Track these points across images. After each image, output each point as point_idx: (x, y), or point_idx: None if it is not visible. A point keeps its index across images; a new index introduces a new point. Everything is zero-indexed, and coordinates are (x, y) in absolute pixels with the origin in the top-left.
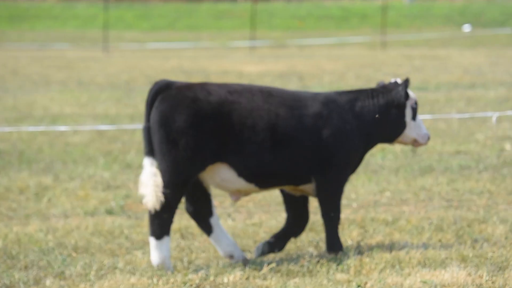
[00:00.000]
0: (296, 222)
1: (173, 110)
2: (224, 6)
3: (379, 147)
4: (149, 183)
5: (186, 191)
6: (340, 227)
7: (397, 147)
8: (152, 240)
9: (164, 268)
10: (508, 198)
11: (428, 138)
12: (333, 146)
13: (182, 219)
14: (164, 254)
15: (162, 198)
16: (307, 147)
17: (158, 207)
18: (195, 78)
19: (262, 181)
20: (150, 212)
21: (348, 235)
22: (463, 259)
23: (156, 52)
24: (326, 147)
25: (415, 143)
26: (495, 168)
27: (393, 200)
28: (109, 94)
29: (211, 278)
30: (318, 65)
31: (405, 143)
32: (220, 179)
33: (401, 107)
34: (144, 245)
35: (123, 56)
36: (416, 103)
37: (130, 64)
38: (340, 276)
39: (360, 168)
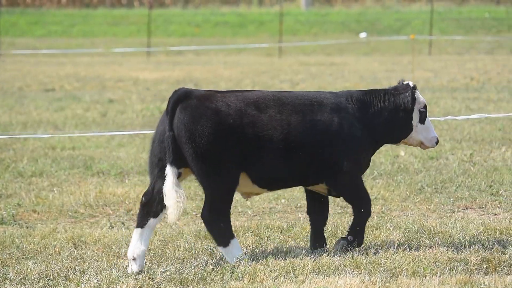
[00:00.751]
0: (319, 216)
1: (196, 123)
2: (119, 12)
3: None
4: (172, 195)
5: (233, 196)
6: (236, 234)
7: None
8: (222, 249)
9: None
10: (402, 205)
11: (437, 142)
12: (343, 149)
13: (75, 228)
14: (239, 253)
15: (182, 210)
16: (319, 151)
17: (177, 218)
18: (90, 85)
19: (274, 186)
20: (207, 228)
21: (242, 243)
22: (357, 266)
23: (50, 58)
24: (336, 150)
25: (422, 145)
26: (389, 174)
27: (288, 207)
28: (1, 101)
29: None
30: (215, 71)
31: (411, 145)
32: None
33: (409, 111)
34: (36, 255)
35: (15, 62)
36: (425, 107)
37: (23, 71)
38: (234, 284)
39: None
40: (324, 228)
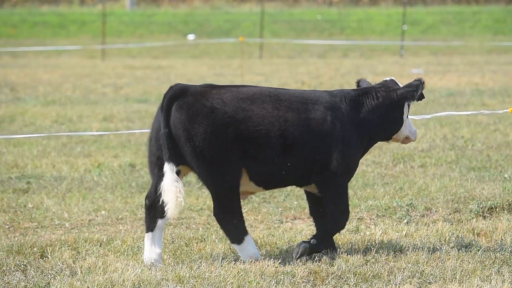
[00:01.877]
0: (323, 217)
1: (193, 121)
2: None
3: (95, 163)
4: (171, 189)
5: (239, 192)
6: (51, 249)
7: (115, 162)
8: (236, 247)
9: (258, 259)
10: None
11: (416, 135)
12: (337, 148)
13: None
14: (254, 251)
15: (182, 205)
16: (315, 150)
17: (177, 214)
18: None
19: (270, 184)
20: (221, 226)
21: (59, 258)
22: (180, 280)
23: None
24: (331, 149)
25: (407, 140)
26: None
27: (108, 219)
28: None
29: None
30: (34, 75)
31: (397, 141)
32: None
33: (401, 106)
34: None
35: None
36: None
37: None
38: None
39: (74, 185)
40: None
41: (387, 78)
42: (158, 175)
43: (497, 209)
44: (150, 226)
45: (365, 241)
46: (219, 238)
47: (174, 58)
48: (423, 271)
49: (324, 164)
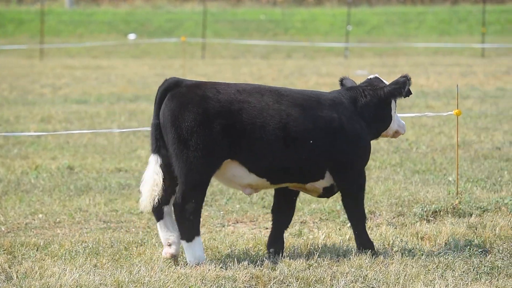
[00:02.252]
0: (283, 216)
1: (183, 108)
2: None
3: (33, 165)
4: (149, 181)
5: (206, 189)
6: None
7: (53, 165)
8: (184, 244)
9: (199, 264)
10: None
11: (405, 128)
12: (342, 145)
13: None
14: (200, 253)
15: (157, 199)
16: (315, 145)
17: (150, 208)
18: None
19: (272, 178)
20: (176, 218)
21: None
22: (119, 285)
23: None
24: (338, 145)
25: (396, 134)
26: None
27: (46, 222)
28: None
29: None
30: None
31: (387, 136)
32: (231, 174)
33: (389, 103)
34: None
35: None
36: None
37: None
38: None
39: (10, 188)
40: (285, 230)
41: (371, 76)
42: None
43: (441, 213)
44: (158, 215)
45: (308, 245)
46: (159, 242)
47: (115, 58)
48: (366, 275)
49: (334, 160)
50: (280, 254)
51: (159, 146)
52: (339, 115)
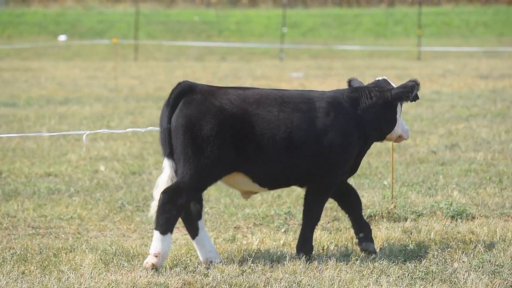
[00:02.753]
0: (351, 200)
1: (201, 117)
2: None
3: None
4: (163, 187)
5: (200, 191)
6: None
7: None
8: (156, 233)
9: (158, 262)
10: (100, 224)
11: (408, 133)
12: (338, 148)
13: None
14: (165, 249)
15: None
16: (317, 150)
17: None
18: None
19: (274, 185)
20: (159, 206)
21: None
22: None
23: None
24: (332, 149)
25: (400, 138)
26: (87, 191)
27: None
28: None
29: None
30: None
31: (391, 140)
32: (233, 181)
33: (395, 106)
34: None
35: None
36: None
37: None
38: None
39: None
40: (361, 212)
41: (379, 78)
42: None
43: (376, 217)
44: (193, 232)
45: (241, 250)
46: (89, 248)
47: (45, 60)
48: (300, 281)
49: (327, 161)
50: (371, 235)
51: (173, 151)
52: (335, 116)
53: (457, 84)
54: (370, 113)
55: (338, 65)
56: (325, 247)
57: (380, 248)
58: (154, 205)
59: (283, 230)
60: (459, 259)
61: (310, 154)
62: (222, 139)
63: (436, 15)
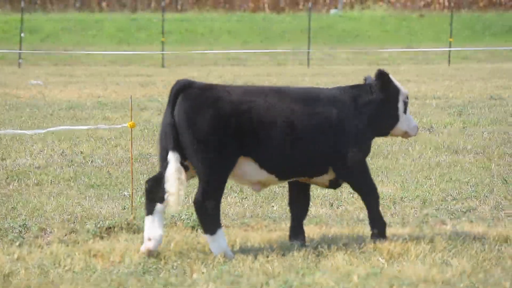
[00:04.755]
0: (300, 207)
1: (197, 110)
2: None
3: None
4: (174, 181)
5: (225, 182)
6: None
7: None
8: (208, 237)
9: (227, 258)
10: None
11: (417, 129)
12: (350, 135)
13: None
14: (223, 246)
15: (183, 197)
16: (320, 140)
17: (179, 207)
18: None
19: (281, 173)
20: (198, 214)
21: None
22: None
23: None
24: (343, 138)
25: (406, 135)
26: None
27: None
28: None
29: None
30: None
31: (396, 136)
32: (241, 171)
33: (395, 102)
34: None
35: None
36: (407, 97)
37: None
38: None
39: None
40: (303, 221)
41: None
42: (165, 167)
43: (116, 229)
44: (149, 209)
45: None
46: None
47: None
48: None
49: (339, 152)
50: (304, 245)
51: (177, 145)
52: (337, 111)
53: None
54: (369, 108)
55: (79, 72)
56: (61, 261)
57: (119, 260)
58: (171, 200)
59: (17, 243)
60: (199, 270)
61: (317, 145)
62: (222, 128)
63: (180, 22)
